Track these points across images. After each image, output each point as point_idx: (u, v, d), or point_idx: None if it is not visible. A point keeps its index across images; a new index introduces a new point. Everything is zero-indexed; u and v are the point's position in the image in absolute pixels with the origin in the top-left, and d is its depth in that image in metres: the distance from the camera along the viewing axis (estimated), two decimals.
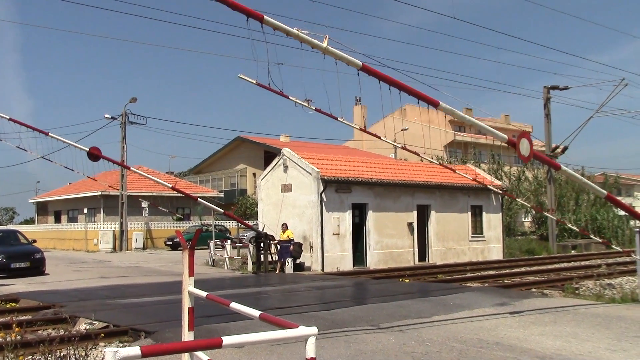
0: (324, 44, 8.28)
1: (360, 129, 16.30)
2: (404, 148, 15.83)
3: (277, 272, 22.08)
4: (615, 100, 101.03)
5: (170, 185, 18.89)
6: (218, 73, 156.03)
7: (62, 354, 6.57)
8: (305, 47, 8.68)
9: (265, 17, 7.95)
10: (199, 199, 20.60)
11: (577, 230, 20.10)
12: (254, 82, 23.28)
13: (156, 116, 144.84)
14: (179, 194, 46.53)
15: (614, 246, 14.99)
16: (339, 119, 18.81)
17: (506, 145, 10.07)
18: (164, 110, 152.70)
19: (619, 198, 51.77)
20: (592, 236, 16.54)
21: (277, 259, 22.67)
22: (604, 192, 12.12)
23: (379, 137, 17.21)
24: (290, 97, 20.42)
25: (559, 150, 34.69)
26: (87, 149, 17.28)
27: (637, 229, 12.35)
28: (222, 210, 23.52)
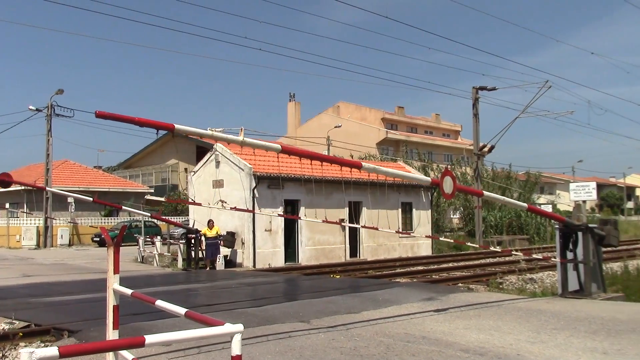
0: (240, 138, 8.36)
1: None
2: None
3: (207, 268, 21.85)
4: (539, 101, 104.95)
5: (92, 199, 18.29)
6: (149, 65, 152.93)
7: None
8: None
9: (175, 126, 7.85)
10: (123, 207, 20.12)
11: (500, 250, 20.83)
12: (164, 199, 23.52)
13: (84, 109, 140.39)
14: (108, 189, 45.31)
15: (534, 255, 15.56)
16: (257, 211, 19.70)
17: (430, 185, 10.61)
18: (92, 103, 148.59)
19: (541, 196, 53.38)
20: (492, 247, 17.10)
21: (205, 256, 22.37)
22: (525, 205, 12.72)
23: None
24: (202, 205, 20.87)
25: (486, 149, 35.72)
26: None
27: (557, 226, 12.87)
28: (149, 214, 23.08)
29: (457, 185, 10.15)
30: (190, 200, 24.07)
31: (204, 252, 22.51)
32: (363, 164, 9.51)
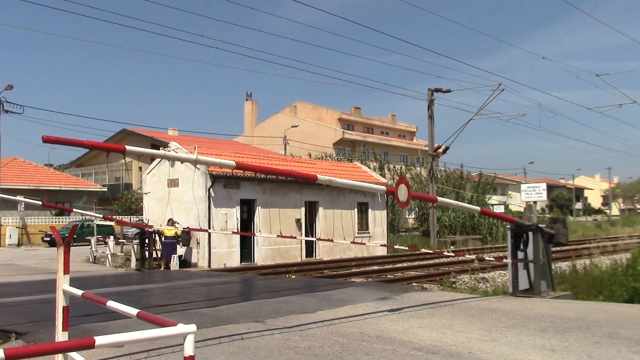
0: (194, 156, 8.28)
1: None
2: None
3: (162, 268, 21.58)
4: (492, 104, 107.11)
5: (41, 202, 17.88)
6: (103, 62, 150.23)
7: None
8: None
9: (127, 148, 7.74)
10: (74, 209, 19.79)
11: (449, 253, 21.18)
12: (113, 222, 23.39)
13: (35, 105, 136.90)
14: (59, 188, 44.28)
15: (487, 257, 15.81)
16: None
17: (385, 193, 10.75)
18: (43, 99, 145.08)
19: (491, 197, 54.14)
20: (445, 252, 17.31)
21: (161, 255, 22.14)
22: (478, 208, 12.96)
23: None
24: (153, 226, 20.88)
25: (440, 150, 36.22)
26: None
27: (509, 227, 13.13)
28: (102, 216, 22.73)
29: (412, 192, 10.28)
30: (144, 221, 23.91)
31: (157, 252, 22.24)
32: (318, 176, 9.51)
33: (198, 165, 23.20)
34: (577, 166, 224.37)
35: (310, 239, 23.91)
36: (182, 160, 8.65)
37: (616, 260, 17.37)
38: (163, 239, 21.93)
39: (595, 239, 37.03)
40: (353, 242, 19.78)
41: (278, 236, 14.06)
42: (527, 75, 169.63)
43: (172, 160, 7.77)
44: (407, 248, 18.34)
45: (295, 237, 20.63)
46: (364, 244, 22.29)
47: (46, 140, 6.88)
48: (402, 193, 10.00)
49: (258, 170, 9.30)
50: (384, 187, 11.10)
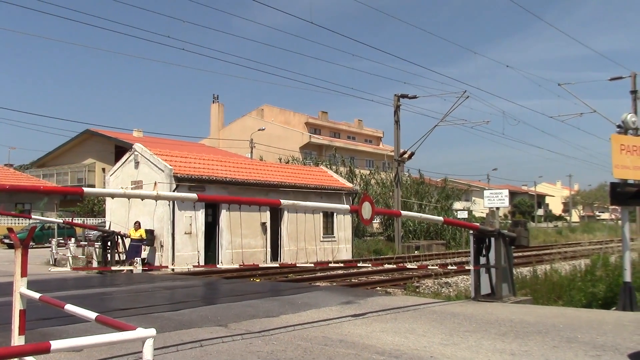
0: (155, 192, 8.54)
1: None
2: None
3: (124, 271, 21.27)
4: (457, 110, 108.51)
5: None
6: (67, 62, 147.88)
7: None
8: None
9: (85, 190, 7.91)
10: (32, 216, 19.43)
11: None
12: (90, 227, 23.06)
13: None
14: (19, 189, 43.42)
15: (450, 266, 16.00)
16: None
17: (349, 212, 11.00)
18: (7, 98, 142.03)
19: (457, 202, 54.64)
20: (408, 265, 17.54)
21: (124, 258, 21.86)
22: (441, 219, 13.15)
23: None
24: (125, 235, 20.74)
25: (406, 155, 36.44)
26: None
27: (472, 233, 13.28)
28: (63, 220, 22.38)
29: (376, 209, 10.36)
30: (107, 224, 23.64)
31: (120, 254, 21.93)
32: (282, 201, 9.60)
33: (162, 167, 22.99)
34: (539, 173, 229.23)
35: (274, 265, 23.88)
36: (142, 197, 8.71)
37: (575, 266, 17.71)
38: (129, 241, 21.64)
39: (555, 244, 37.77)
40: (316, 264, 19.96)
41: (240, 265, 14.15)
42: (492, 83, 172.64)
43: (133, 197, 7.88)
44: (370, 266, 18.59)
45: (257, 265, 20.68)
46: (328, 264, 22.33)
47: (1, 189, 6.91)
48: (366, 211, 10.09)
49: (220, 201, 9.49)
50: (347, 207, 11.35)
